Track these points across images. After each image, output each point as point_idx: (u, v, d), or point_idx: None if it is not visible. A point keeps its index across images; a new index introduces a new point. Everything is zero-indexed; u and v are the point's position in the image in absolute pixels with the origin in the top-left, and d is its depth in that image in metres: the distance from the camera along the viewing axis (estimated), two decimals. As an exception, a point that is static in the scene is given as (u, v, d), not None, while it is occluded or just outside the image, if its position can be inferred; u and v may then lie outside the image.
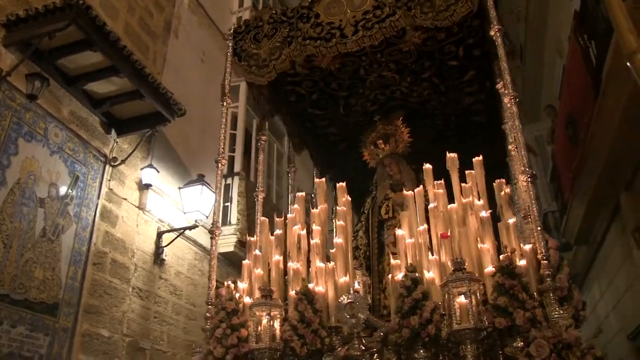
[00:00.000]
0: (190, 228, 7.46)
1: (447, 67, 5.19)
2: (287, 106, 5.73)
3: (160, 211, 7.29)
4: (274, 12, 4.91)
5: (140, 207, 6.96)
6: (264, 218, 4.74)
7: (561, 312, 3.18)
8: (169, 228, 7.39)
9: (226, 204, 8.66)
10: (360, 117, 5.90)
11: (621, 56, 5.05)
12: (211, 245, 4.35)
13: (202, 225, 7.72)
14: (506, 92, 3.94)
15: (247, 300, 4.08)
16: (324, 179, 4.75)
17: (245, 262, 4.42)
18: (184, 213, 7.50)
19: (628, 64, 1.76)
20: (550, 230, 10.06)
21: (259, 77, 4.74)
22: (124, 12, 7.23)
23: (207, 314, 3.99)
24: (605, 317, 8.66)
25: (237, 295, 4.05)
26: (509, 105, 3.92)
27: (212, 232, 4.36)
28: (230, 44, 4.94)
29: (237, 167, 9.04)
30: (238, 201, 8.64)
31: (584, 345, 2.99)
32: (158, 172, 7.07)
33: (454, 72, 5.26)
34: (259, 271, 4.20)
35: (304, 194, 4.89)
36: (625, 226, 6.83)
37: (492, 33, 4.07)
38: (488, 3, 4.15)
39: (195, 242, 7.94)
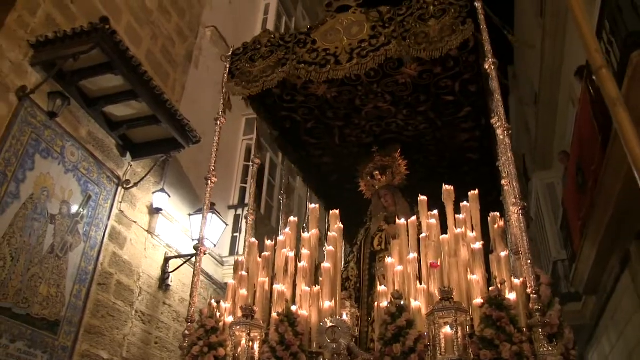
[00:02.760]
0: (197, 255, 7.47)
1: (443, 102, 5.20)
2: (283, 133, 5.74)
3: (168, 236, 7.34)
4: (272, 35, 4.97)
5: (150, 231, 7.02)
6: (253, 240, 4.77)
7: (550, 348, 3.13)
8: (177, 254, 7.43)
9: (235, 234, 8.70)
10: (354, 148, 5.89)
11: (631, 105, 5.13)
12: (195, 262, 4.38)
13: (209, 254, 7.75)
14: (499, 124, 3.96)
15: (228, 320, 4.05)
16: (317, 205, 4.77)
17: (231, 282, 4.42)
18: (192, 240, 7.54)
19: (594, 77, 1.94)
20: (559, 279, 9.95)
21: (245, 89, 4.76)
22: (147, 39, 7.45)
23: (186, 332, 3.94)
24: (614, 372, 8.47)
25: (219, 314, 4.02)
26: (501, 137, 3.93)
27: (197, 249, 4.39)
28: (227, 65, 5.03)
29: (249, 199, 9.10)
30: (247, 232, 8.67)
31: None
32: (169, 196, 7.15)
33: (450, 107, 5.27)
34: (243, 291, 4.20)
35: (296, 219, 4.92)
36: (635, 276, 6.74)
37: (486, 66, 4.13)
38: (483, 37, 4.20)
39: (202, 271, 7.92)
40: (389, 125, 5.58)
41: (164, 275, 7.18)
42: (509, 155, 3.85)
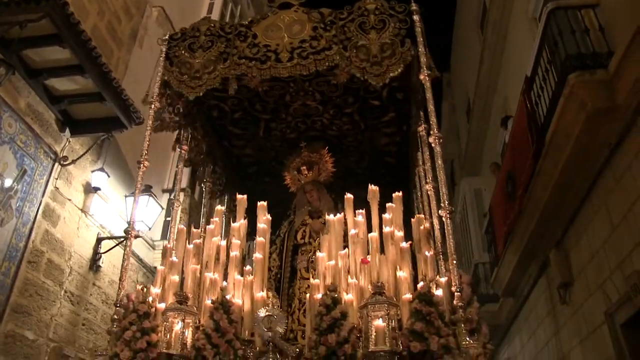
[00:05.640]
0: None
1: (370, 106, 5.36)
2: (207, 121, 5.70)
3: (102, 217, 7.18)
4: (212, 24, 4.89)
5: (84, 210, 6.85)
6: (181, 226, 4.76)
7: (471, 341, 3.37)
8: (109, 235, 7.29)
9: (168, 218, 8.59)
10: (277, 142, 5.97)
11: (565, 122, 5.49)
12: (125, 246, 4.32)
13: (142, 237, 7.64)
14: (431, 132, 4.13)
15: (159, 305, 4.03)
16: (245, 196, 4.81)
17: (160, 267, 4.41)
18: (127, 222, 7.40)
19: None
20: (479, 281, 10.42)
21: (189, 88, 4.66)
22: (94, 14, 7.24)
23: (115, 316, 3.87)
24: (523, 369, 9.00)
25: (150, 299, 4.03)
26: (433, 145, 4.10)
27: (127, 232, 4.28)
28: (163, 49, 4.88)
29: (184, 184, 9.01)
30: (180, 217, 8.58)
31: None
32: (109, 176, 6.99)
33: (375, 111, 5.43)
34: (174, 277, 4.20)
35: (223, 207, 4.96)
36: (551, 282, 7.20)
37: (421, 77, 4.26)
38: (419, 49, 4.35)
39: (133, 253, 7.80)
40: (314, 123, 5.68)
41: (96, 256, 7.02)
42: (439, 162, 4.03)
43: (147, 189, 7.42)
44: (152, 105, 4.74)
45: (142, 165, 4.52)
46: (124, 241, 7.31)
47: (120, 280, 4.11)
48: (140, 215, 7.23)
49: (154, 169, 8.52)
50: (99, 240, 7.11)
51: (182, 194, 8.78)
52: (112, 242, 7.23)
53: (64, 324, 6.40)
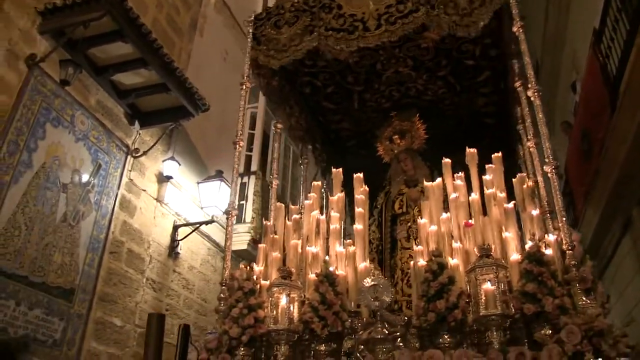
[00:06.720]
0: (206, 223, 7.54)
1: (463, 66, 5.18)
2: (301, 98, 5.66)
3: (177, 205, 7.39)
4: (295, 0, 4.82)
5: (159, 199, 7.07)
6: (279, 203, 4.77)
7: (588, 301, 3.19)
8: (185, 222, 7.50)
9: (241, 202, 8.74)
10: (373, 114, 5.85)
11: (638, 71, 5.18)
12: (227, 225, 4.31)
13: (217, 222, 7.81)
14: (529, 86, 3.94)
15: (264, 282, 4.05)
16: (340, 169, 4.76)
17: (261, 245, 4.44)
18: (201, 208, 7.60)
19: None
20: (559, 245, 10.06)
21: (275, 60, 4.66)
22: (152, 7, 7.40)
23: (221, 295, 3.92)
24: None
25: (255, 277, 4.06)
26: (532, 98, 3.92)
27: (228, 213, 4.33)
28: (250, 30, 4.87)
29: (254, 167, 9.13)
30: (253, 200, 8.72)
31: (617, 333, 2.97)
32: (180, 165, 7.18)
33: (469, 71, 5.25)
34: (276, 254, 4.21)
35: (319, 183, 4.95)
36: (636, 240, 6.87)
37: (514, 29, 4.09)
38: (510, 1, 4.15)
39: (209, 238, 8.04)
40: (408, 90, 5.54)
41: (173, 243, 7.26)
42: (540, 116, 3.85)
43: (218, 175, 7.58)
44: (244, 86, 4.78)
45: (237, 145, 4.53)
46: (200, 226, 7.55)
47: (224, 259, 4.17)
48: (214, 201, 7.40)
49: (224, 154, 8.70)
50: (176, 228, 7.34)
51: (253, 177, 8.94)
52: (188, 229, 7.44)
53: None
